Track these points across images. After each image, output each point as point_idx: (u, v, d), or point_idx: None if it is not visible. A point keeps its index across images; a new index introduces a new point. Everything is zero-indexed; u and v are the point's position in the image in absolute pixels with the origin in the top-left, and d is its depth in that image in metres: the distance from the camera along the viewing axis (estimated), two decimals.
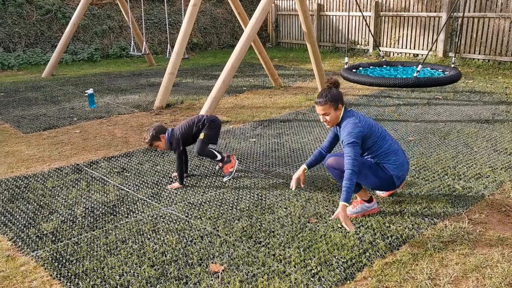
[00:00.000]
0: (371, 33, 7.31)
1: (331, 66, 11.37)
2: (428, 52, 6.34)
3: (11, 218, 3.74)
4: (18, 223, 3.64)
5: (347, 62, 6.94)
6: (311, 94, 8.28)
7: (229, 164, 4.46)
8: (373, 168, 3.47)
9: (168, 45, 9.87)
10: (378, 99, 7.76)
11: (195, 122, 4.41)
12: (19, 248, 3.28)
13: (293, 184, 3.62)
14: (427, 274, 2.86)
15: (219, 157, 4.41)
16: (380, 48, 12.39)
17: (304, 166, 3.66)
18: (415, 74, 5.90)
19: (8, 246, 3.32)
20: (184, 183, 4.32)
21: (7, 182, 4.48)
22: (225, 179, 4.39)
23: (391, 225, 3.48)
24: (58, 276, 2.93)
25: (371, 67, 7.14)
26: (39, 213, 3.81)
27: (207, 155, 4.41)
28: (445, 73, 6.48)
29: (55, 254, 3.19)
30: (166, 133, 4.34)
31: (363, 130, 3.34)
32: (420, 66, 6.04)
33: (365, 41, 13.01)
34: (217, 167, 4.74)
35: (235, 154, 5.15)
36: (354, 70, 6.78)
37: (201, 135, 4.35)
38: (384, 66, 7.21)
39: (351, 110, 3.49)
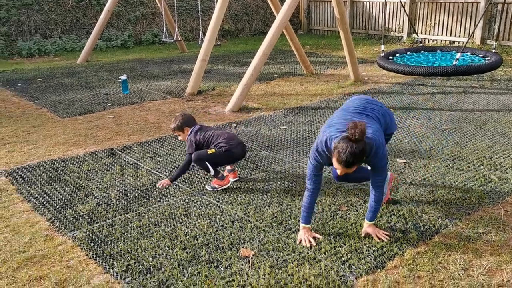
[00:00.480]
0: (409, 18, 7.09)
1: (363, 54, 11.19)
2: (468, 39, 6.13)
3: (49, 199, 3.86)
4: (55, 204, 3.76)
5: (383, 50, 6.55)
6: (343, 81, 8.18)
7: (221, 181, 3.98)
8: None
9: (200, 32, 9.91)
10: (411, 87, 7.61)
11: (218, 138, 3.97)
12: (57, 228, 3.39)
13: (310, 242, 3.11)
14: (460, 264, 2.82)
15: (212, 172, 3.93)
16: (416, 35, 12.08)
17: (306, 226, 3.16)
18: (454, 62, 5.71)
19: (46, 226, 3.44)
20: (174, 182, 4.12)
21: (45, 164, 4.63)
22: (206, 187, 4.01)
23: (423, 214, 3.43)
24: (94, 256, 3.03)
25: (408, 53, 6.90)
26: (75, 195, 3.92)
27: (200, 166, 3.94)
28: (486, 58, 6.23)
29: (91, 235, 3.28)
30: (192, 128, 4.07)
31: (384, 140, 3.05)
32: (459, 54, 5.86)
33: (399, 28, 12.72)
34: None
35: (265, 142, 5.16)
36: (390, 57, 6.57)
37: (212, 150, 3.91)
38: (422, 52, 6.97)
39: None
